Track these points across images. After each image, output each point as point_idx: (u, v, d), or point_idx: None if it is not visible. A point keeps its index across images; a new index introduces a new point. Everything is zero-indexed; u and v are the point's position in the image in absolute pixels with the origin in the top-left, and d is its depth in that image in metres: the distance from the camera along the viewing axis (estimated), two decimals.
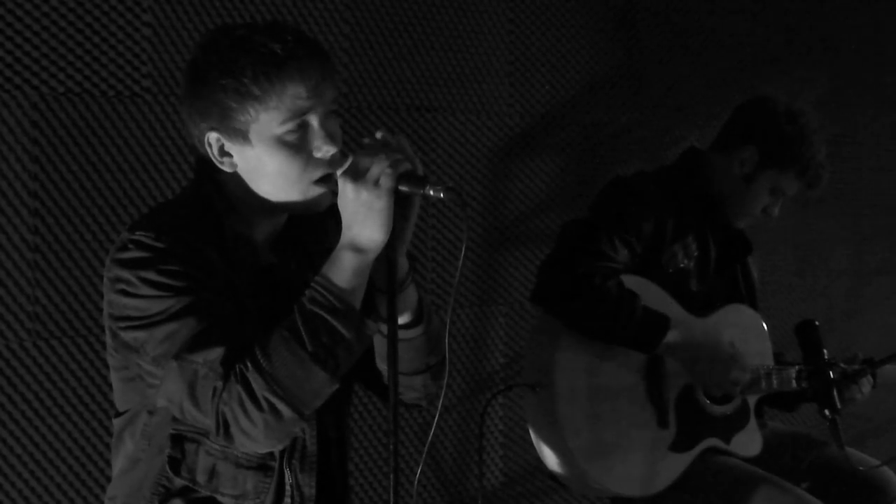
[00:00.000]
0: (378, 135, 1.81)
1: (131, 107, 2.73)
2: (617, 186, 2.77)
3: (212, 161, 1.87)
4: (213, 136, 1.83)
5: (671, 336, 2.59)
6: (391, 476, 1.73)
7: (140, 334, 1.79)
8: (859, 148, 4.58)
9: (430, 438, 1.90)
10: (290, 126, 1.80)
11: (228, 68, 1.78)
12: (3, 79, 2.55)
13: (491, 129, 3.48)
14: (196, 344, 1.75)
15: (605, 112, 3.76)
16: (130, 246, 1.79)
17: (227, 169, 1.86)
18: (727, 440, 2.78)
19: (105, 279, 1.84)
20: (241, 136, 1.81)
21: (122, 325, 1.81)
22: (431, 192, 1.71)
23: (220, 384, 1.73)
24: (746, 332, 2.88)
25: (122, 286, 1.79)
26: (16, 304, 2.59)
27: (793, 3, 4.29)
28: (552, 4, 3.61)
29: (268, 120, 1.79)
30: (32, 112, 2.59)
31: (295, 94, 1.79)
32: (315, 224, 2.02)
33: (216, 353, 1.74)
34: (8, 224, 2.57)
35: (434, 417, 1.80)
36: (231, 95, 1.78)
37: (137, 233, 1.80)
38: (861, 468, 2.79)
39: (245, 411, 1.72)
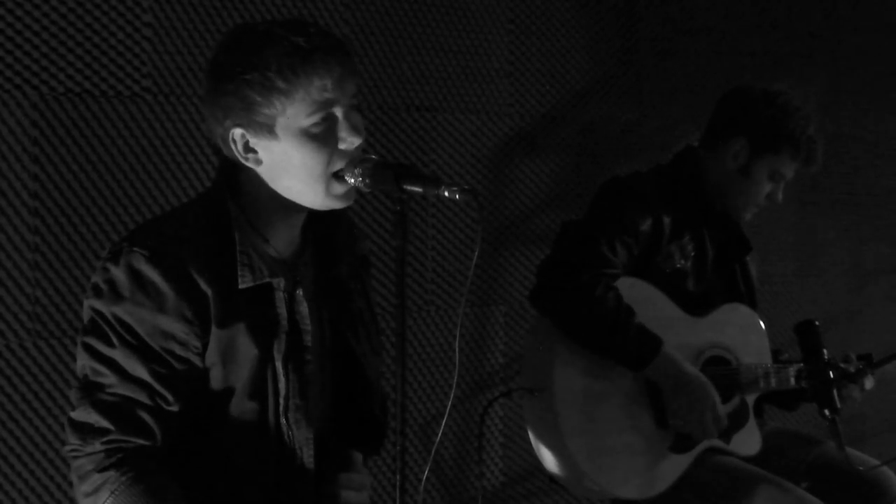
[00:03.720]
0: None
1: (131, 107, 2.73)
2: (613, 187, 2.77)
3: (234, 161, 1.87)
4: (237, 133, 1.83)
5: (661, 360, 2.58)
6: (397, 476, 1.73)
7: (83, 339, 1.84)
8: (859, 148, 4.58)
9: (437, 441, 1.91)
10: (316, 118, 1.81)
11: (252, 63, 1.79)
12: (3, 79, 2.55)
13: (491, 129, 3.48)
14: (93, 395, 1.81)
15: (605, 112, 3.75)
16: (117, 270, 1.80)
17: (251, 165, 1.86)
18: (727, 439, 2.78)
19: (99, 269, 1.85)
20: (267, 129, 1.81)
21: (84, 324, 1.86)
22: (446, 194, 1.70)
23: (76, 443, 1.80)
24: (744, 332, 2.88)
25: (93, 303, 1.82)
26: (16, 304, 2.59)
27: (793, 3, 4.29)
28: (552, 5, 3.60)
29: (294, 113, 1.80)
30: (32, 112, 2.59)
31: (321, 86, 1.80)
32: (344, 231, 2.04)
33: (95, 418, 1.79)
34: (8, 224, 2.57)
35: (439, 417, 1.80)
36: (256, 89, 1.78)
37: (135, 248, 1.80)
38: (861, 468, 2.79)
39: (78, 482, 1.81)
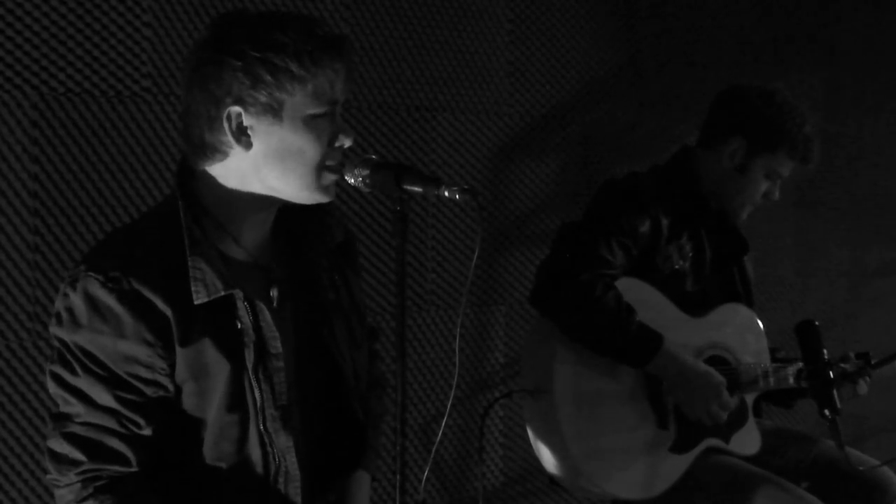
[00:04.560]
0: None
1: (131, 107, 2.73)
2: (610, 189, 2.77)
3: (204, 153, 1.83)
4: (234, 111, 1.79)
5: (663, 355, 2.58)
6: (397, 476, 1.73)
7: (50, 367, 1.84)
8: (858, 148, 4.58)
9: (437, 441, 1.91)
10: (321, 109, 1.81)
11: (267, 42, 1.76)
12: (3, 79, 2.55)
13: (491, 129, 3.48)
14: (64, 427, 1.81)
15: (605, 112, 3.75)
16: (75, 296, 1.78)
17: (242, 148, 1.81)
18: (726, 439, 2.78)
19: (60, 295, 1.83)
20: (272, 112, 1.79)
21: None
22: (446, 194, 1.69)
23: (55, 474, 1.81)
24: (743, 331, 2.88)
25: (56, 332, 1.82)
26: (16, 304, 2.59)
27: (792, 4, 4.29)
28: (552, 4, 3.61)
29: (303, 99, 1.79)
30: (32, 112, 2.59)
31: (331, 80, 1.80)
32: (315, 220, 2.01)
33: (68, 449, 1.80)
34: (8, 224, 2.57)
35: (439, 417, 1.80)
36: (269, 69, 1.76)
37: (90, 273, 1.77)
38: (861, 468, 2.79)
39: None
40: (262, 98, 1.77)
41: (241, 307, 1.85)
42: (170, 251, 1.81)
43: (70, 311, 1.79)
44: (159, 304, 1.78)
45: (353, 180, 1.83)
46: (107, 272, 1.77)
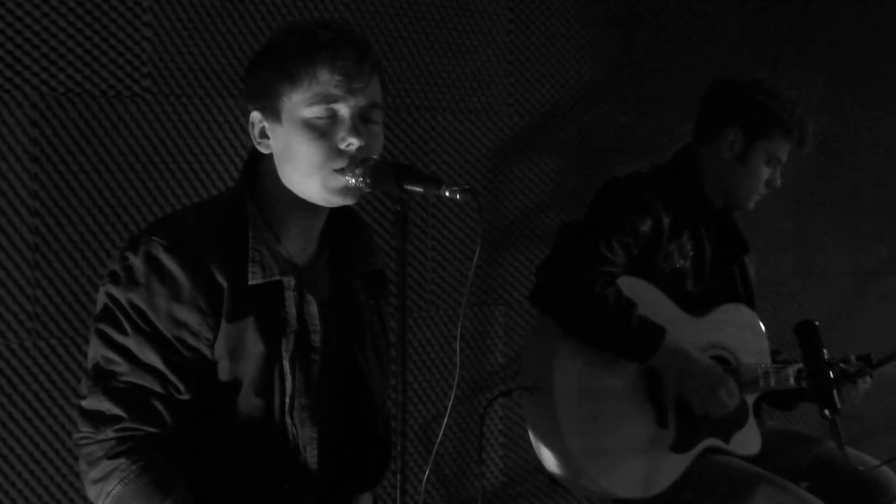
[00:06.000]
0: None
1: (131, 107, 2.73)
2: (613, 188, 2.77)
3: (255, 153, 1.92)
4: (255, 116, 1.89)
5: (666, 348, 2.58)
6: (398, 476, 1.73)
7: (96, 325, 1.85)
8: (858, 148, 4.58)
9: (437, 441, 1.92)
10: (317, 111, 1.83)
11: (275, 48, 1.85)
12: (3, 79, 2.55)
13: (491, 129, 3.48)
14: (106, 383, 1.82)
15: (605, 112, 3.76)
16: (135, 258, 1.82)
17: (264, 151, 1.90)
18: (727, 439, 2.78)
19: (117, 257, 1.87)
20: (276, 114, 1.85)
21: (97, 310, 1.87)
22: (447, 194, 1.70)
23: (88, 430, 1.82)
24: (743, 332, 2.88)
25: (109, 289, 1.84)
26: (16, 304, 2.59)
27: (792, 4, 4.29)
28: (552, 4, 3.61)
29: (298, 101, 1.83)
30: (32, 112, 2.59)
31: (327, 80, 1.82)
32: (361, 242, 2.05)
33: (107, 406, 1.81)
34: (8, 224, 2.57)
35: (439, 417, 1.80)
36: (272, 72, 1.84)
37: (154, 238, 1.82)
38: (861, 468, 2.79)
39: (87, 468, 1.82)
40: (269, 101, 1.85)
41: (289, 296, 1.90)
42: (232, 232, 1.87)
43: (129, 269, 1.82)
44: (218, 276, 1.83)
45: (353, 180, 1.83)
46: (171, 238, 1.82)
